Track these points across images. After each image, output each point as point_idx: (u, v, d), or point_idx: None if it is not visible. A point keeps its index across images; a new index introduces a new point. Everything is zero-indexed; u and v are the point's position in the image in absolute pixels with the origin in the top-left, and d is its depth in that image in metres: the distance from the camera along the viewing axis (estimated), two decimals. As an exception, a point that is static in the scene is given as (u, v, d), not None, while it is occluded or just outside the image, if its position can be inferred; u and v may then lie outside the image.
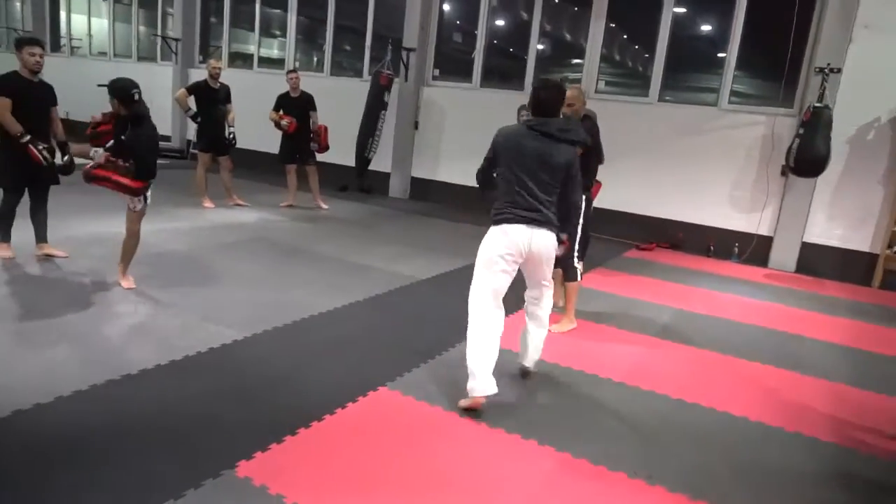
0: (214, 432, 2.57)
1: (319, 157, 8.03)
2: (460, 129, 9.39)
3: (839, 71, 6.69)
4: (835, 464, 2.84)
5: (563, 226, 3.21)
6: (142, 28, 13.33)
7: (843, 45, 6.72)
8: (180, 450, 2.43)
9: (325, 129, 7.82)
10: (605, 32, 8.37)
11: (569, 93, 4.14)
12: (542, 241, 3.06)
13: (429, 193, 9.69)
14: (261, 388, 3.01)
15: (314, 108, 7.75)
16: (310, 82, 7.71)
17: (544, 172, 3.02)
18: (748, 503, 2.45)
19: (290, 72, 7.73)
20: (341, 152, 8.75)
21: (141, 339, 3.44)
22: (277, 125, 7.60)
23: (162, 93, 12.01)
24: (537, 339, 3.41)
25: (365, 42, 10.21)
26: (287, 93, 7.68)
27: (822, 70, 6.68)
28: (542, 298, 3.37)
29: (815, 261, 7.09)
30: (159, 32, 12.68)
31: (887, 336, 4.97)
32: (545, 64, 9.19)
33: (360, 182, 9.75)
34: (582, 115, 4.28)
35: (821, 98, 6.57)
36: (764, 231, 7.42)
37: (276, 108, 7.64)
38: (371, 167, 9.92)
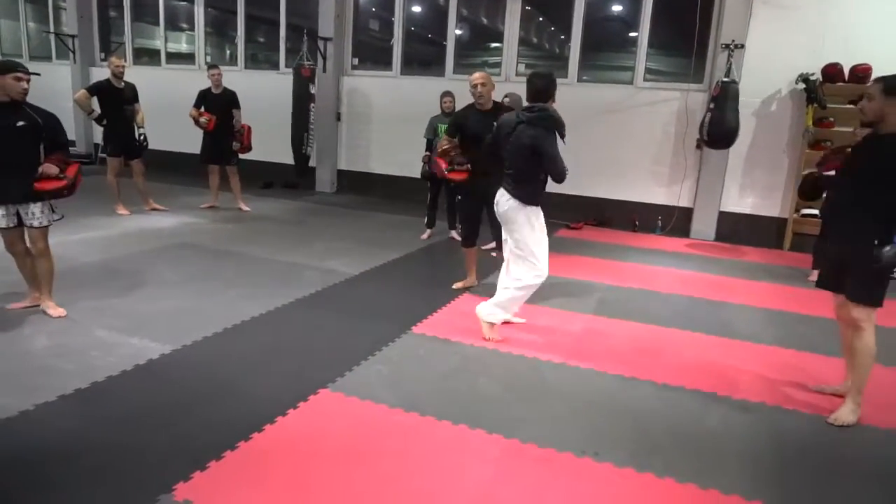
0: (147, 455, 2.42)
1: (241, 155, 7.70)
2: (384, 118, 9.27)
3: (742, 46, 7.02)
4: (765, 422, 2.99)
5: None
6: (31, 25, 12.35)
7: (745, 22, 7.05)
8: (111, 477, 2.27)
9: (249, 128, 7.51)
10: (522, 15, 8.44)
11: (478, 74, 4.29)
12: None
13: (357, 186, 9.53)
14: (194, 403, 2.85)
15: (237, 107, 7.42)
16: (224, 77, 7.37)
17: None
18: (690, 470, 2.53)
19: (210, 67, 7.36)
20: (262, 148, 8.45)
21: (57, 362, 3.19)
22: (196, 122, 7.25)
23: (61, 95, 11.18)
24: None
25: (279, 33, 9.87)
26: (209, 89, 7.33)
27: (727, 46, 6.99)
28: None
29: (732, 228, 7.46)
30: (52, 29, 11.79)
31: (801, 295, 5.27)
32: (465, 49, 9.18)
33: (300, 181, 9.43)
34: (492, 105, 4.37)
35: (728, 73, 6.87)
36: (684, 203, 7.73)
37: (197, 105, 7.28)
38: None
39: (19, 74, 3.60)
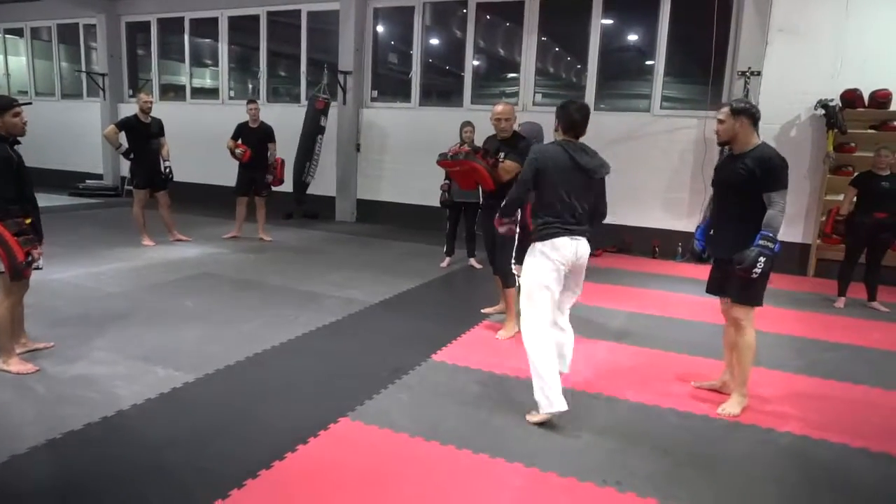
0: (170, 484, 2.44)
1: (273, 188, 7.85)
2: (403, 149, 9.41)
3: (759, 73, 7.04)
4: (791, 452, 2.93)
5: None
6: (64, 64, 12.84)
7: (761, 49, 7.08)
8: (133, 506, 2.29)
9: (283, 162, 7.70)
10: (538, 46, 8.58)
11: (501, 108, 4.34)
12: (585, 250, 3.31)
13: (376, 215, 9.64)
14: (217, 432, 2.88)
15: (273, 140, 7.60)
16: (245, 111, 7.58)
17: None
18: (715, 500, 2.48)
19: (249, 101, 7.58)
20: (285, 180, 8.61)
21: (83, 392, 3.24)
22: (232, 153, 7.43)
23: (91, 130, 11.59)
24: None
25: (300, 67, 10.13)
26: (246, 122, 7.52)
27: (744, 73, 7.02)
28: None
29: (754, 255, 7.36)
30: (83, 68, 12.24)
31: (826, 322, 5.19)
32: (482, 80, 9.33)
33: (301, 208, 9.61)
34: (513, 133, 4.43)
35: (745, 99, 6.87)
36: (704, 229, 7.66)
37: (235, 137, 7.47)
38: (316, 192, 9.80)
39: (18, 110, 3.34)
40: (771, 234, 3.05)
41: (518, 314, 4.08)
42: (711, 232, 3.49)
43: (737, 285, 3.25)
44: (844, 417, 3.32)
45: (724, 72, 7.52)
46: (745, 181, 3.15)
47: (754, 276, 3.06)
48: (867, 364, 4.21)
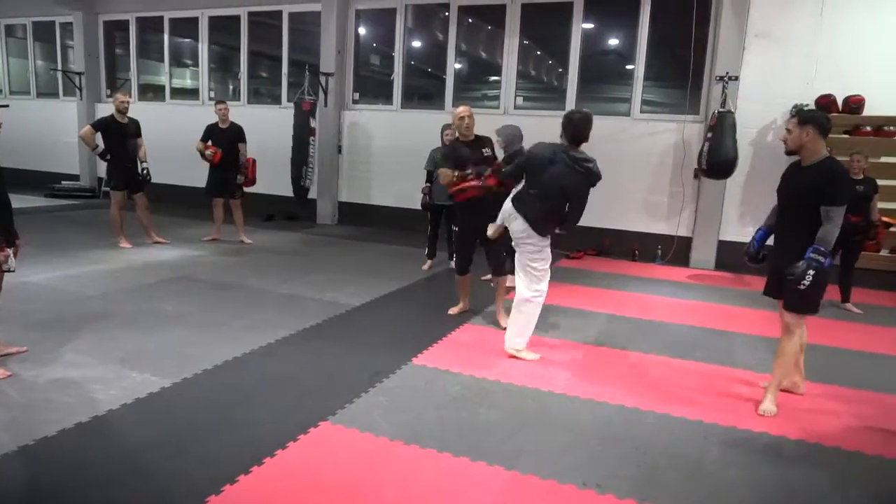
0: (147, 490, 2.40)
1: (245, 188, 7.79)
2: (385, 151, 9.39)
3: (736, 78, 7.14)
4: (769, 453, 2.97)
5: None
6: (40, 63, 12.61)
7: (739, 54, 7.19)
8: (109, 514, 2.25)
9: (254, 161, 7.62)
10: (520, 49, 8.62)
11: (464, 108, 4.60)
12: None
13: (358, 217, 9.61)
14: (194, 437, 2.84)
15: (243, 140, 7.52)
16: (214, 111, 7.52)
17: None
18: (694, 502, 2.51)
19: (218, 102, 7.49)
20: (264, 181, 8.54)
21: (58, 396, 3.18)
22: (202, 155, 7.34)
23: (67, 130, 11.40)
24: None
25: (282, 69, 10.07)
26: (216, 123, 7.44)
27: (722, 78, 7.12)
28: None
29: (732, 257, 7.45)
30: (59, 66, 12.04)
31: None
32: (464, 83, 9.34)
33: (302, 212, 9.53)
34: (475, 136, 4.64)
35: (724, 104, 6.98)
36: (683, 232, 7.77)
37: (204, 139, 7.38)
38: (297, 194, 9.74)
39: None
40: (823, 249, 3.12)
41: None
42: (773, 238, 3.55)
43: (792, 294, 3.30)
44: (819, 418, 3.37)
45: (703, 76, 7.62)
46: (809, 193, 3.18)
47: (802, 287, 3.13)
48: (841, 365, 4.29)
